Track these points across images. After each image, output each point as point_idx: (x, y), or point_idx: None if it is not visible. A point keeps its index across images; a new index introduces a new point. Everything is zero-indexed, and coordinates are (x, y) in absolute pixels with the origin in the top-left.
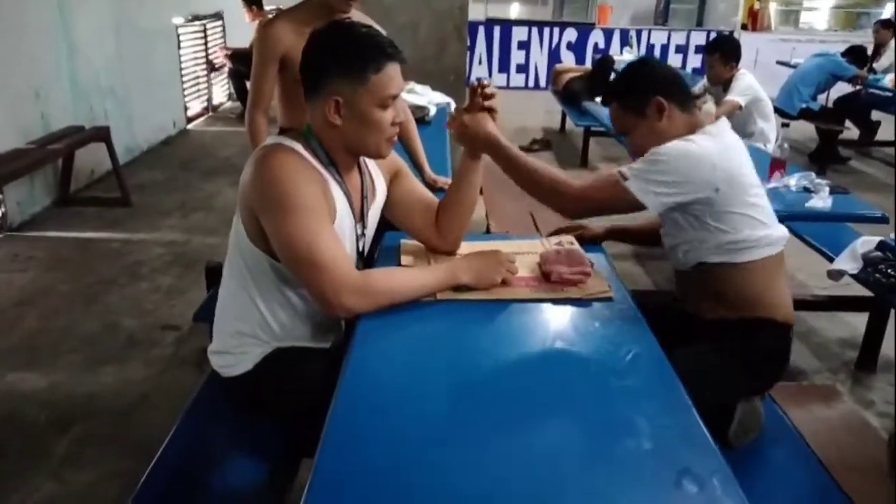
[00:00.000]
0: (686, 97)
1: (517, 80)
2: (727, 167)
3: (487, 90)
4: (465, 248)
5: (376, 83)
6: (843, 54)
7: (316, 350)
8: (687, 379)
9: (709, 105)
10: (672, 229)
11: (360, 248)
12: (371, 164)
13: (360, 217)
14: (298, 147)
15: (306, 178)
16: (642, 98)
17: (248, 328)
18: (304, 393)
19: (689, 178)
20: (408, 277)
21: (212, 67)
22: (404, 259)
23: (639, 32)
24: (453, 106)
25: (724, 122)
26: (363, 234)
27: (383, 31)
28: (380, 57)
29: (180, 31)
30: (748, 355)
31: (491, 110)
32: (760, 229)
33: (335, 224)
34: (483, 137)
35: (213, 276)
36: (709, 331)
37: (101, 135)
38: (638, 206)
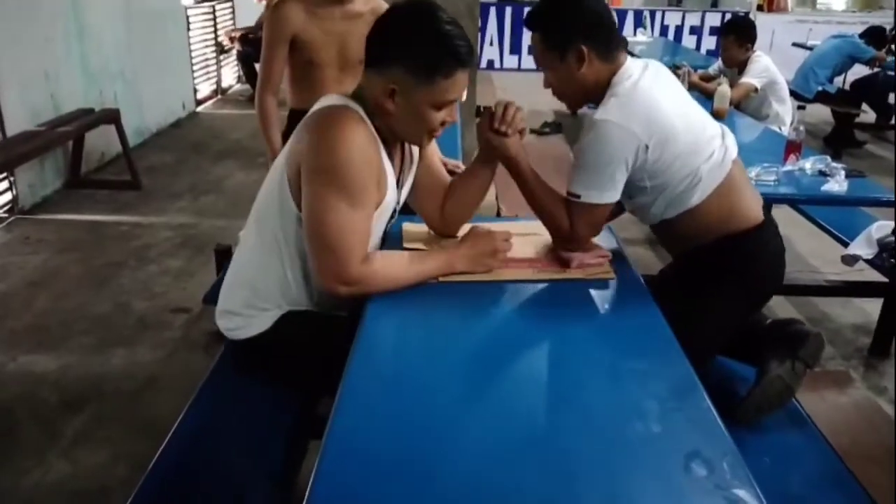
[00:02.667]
0: (609, 45)
1: (529, 61)
2: (644, 120)
3: (507, 116)
4: (466, 227)
5: (441, 88)
6: (862, 36)
7: (328, 316)
8: (679, 316)
9: (724, 87)
10: (623, 198)
11: (393, 219)
12: None
13: (399, 188)
14: (363, 114)
15: (368, 159)
16: (565, 40)
17: (267, 288)
18: (315, 357)
19: (622, 156)
20: (404, 269)
21: (221, 49)
22: (407, 243)
23: (653, 13)
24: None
25: (639, 62)
26: (397, 206)
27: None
28: (454, 64)
29: (189, 12)
30: (723, 265)
31: (517, 132)
32: (698, 162)
33: (384, 200)
34: (503, 158)
35: (223, 258)
36: (688, 261)
37: (111, 117)
38: (614, 202)
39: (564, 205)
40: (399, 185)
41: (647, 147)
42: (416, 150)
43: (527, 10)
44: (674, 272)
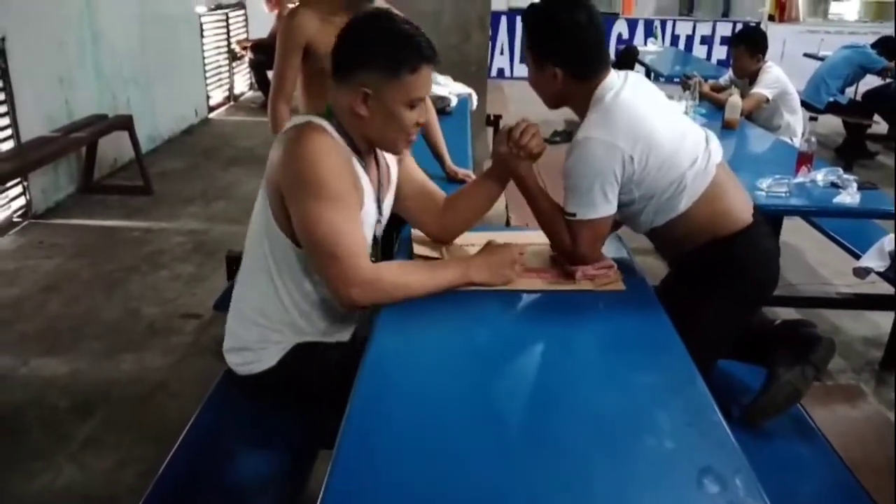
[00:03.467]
0: (589, 68)
1: None
2: (627, 132)
3: (523, 140)
4: (477, 238)
5: (409, 83)
6: (873, 46)
7: (334, 344)
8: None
9: (735, 98)
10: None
11: (377, 234)
12: (388, 154)
13: (378, 203)
14: (329, 127)
15: (338, 164)
16: (541, 56)
17: (269, 321)
18: (323, 386)
19: (609, 170)
20: (419, 277)
21: (234, 56)
22: (417, 249)
23: (663, 23)
24: (475, 97)
25: (619, 74)
26: (379, 221)
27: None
28: (417, 58)
29: (203, 19)
30: (714, 269)
31: (530, 154)
32: (682, 168)
33: (363, 210)
34: (513, 175)
35: (234, 265)
36: (682, 269)
37: (124, 123)
38: (612, 215)
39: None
40: (379, 198)
41: (632, 158)
42: (393, 167)
43: None
44: (672, 279)
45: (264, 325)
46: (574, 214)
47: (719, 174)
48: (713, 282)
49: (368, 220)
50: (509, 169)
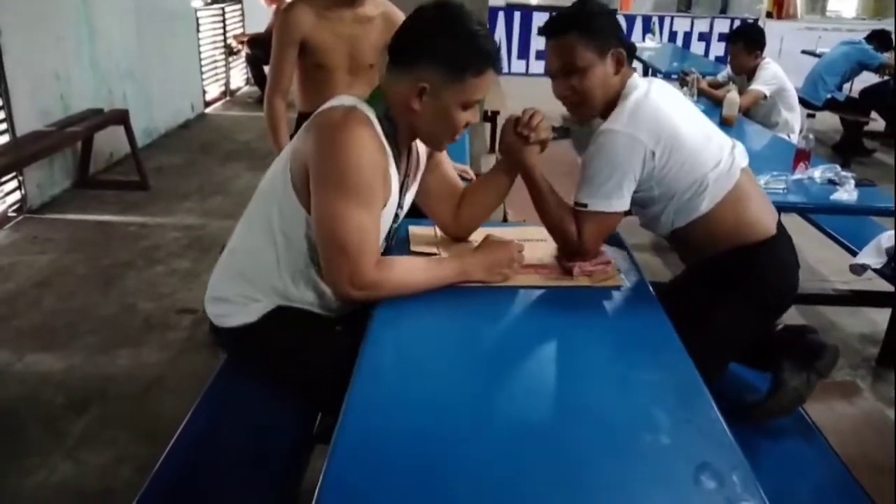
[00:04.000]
0: (628, 55)
1: (537, 66)
2: (650, 128)
3: (533, 122)
4: (475, 233)
5: (471, 86)
6: (867, 40)
7: (320, 316)
8: (689, 327)
9: (733, 94)
10: (635, 209)
11: (393, 227)
12: (420, 145)
13: (400, 196)
14: (373, 117)
15: (373, 160)
16: (606, 41)
17: (258, 281)
18: (299, 354)
19: (629, 164)
20: (418, 276)
21: (230, 52)
22: (413, 245)
23: (661, 19)
24: None
25: (644, 78)
26: (398, 215)
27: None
28: (484, 63)
29: (199, 14)
30: (732, 277)
31: (538, 142)
32: (704, 169)
33: (385, 208)
34: (520, 165)
35: None
36: (700, 272)
37: (120, 118)
38: (623, 213)
39: (573, 216)
40: (403, 190)
41: (653, 154)
42: (423, 156)
43: (535, 14)
44: (684, 282)
45: (252, 283)
46: (585, 205)
47: (743, 180)
48: (730, 286)
49: (388, 216)
50: (517, 158)
